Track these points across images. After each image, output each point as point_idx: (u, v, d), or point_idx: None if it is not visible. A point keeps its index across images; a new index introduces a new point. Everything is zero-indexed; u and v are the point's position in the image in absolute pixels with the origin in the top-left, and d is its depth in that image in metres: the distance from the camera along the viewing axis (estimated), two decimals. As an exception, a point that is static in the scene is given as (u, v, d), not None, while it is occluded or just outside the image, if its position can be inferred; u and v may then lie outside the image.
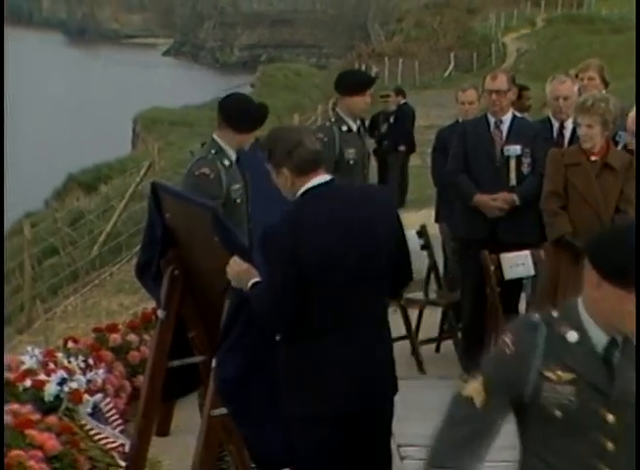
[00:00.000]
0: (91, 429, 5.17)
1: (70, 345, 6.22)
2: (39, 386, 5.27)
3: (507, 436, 2.93)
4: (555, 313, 2.85)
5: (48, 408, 5.14)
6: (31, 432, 4.73)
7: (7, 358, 5.69)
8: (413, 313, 7.80)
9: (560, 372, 2.75)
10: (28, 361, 5.56)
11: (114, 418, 5.52)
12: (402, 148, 16.22)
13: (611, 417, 2.75)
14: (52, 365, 5.57)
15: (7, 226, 18.58)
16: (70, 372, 5.54)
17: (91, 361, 5.98)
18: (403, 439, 5.74)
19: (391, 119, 16.16)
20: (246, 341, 4.35)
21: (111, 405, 5.58)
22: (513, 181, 7.06)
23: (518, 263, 6.93)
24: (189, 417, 5.84)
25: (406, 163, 16.65)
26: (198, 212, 4.64)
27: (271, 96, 32.86)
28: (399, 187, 16.21)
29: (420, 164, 17.89)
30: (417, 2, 61.05)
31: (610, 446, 2.77)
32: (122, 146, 33.41)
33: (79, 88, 59.83)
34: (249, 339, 4.34)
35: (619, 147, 6.60)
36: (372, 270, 4.05)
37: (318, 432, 4.10)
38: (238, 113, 5.59)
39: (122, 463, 5.02)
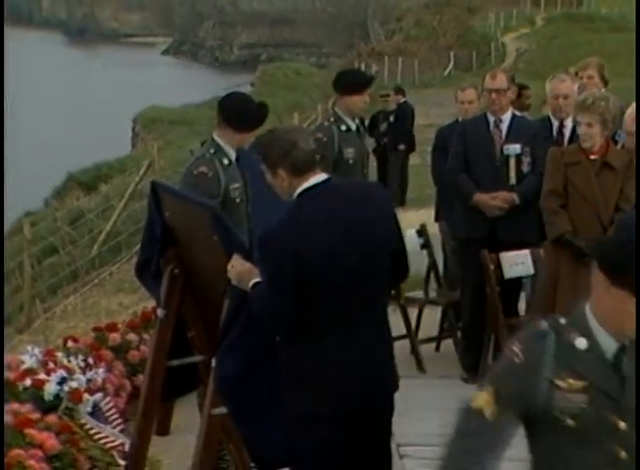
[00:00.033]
0: (91, 428, 5.17)
1: (70, 344, 6.22)
2: (39, 385, 5.27)
3: (517, 448, 2.88)
4: (563, 320, 2.79)
5: (48, 408, 5.14)
6: (31, 431, 4.73)
7: (7, 358, 5.69)
8: (413, 312, 7.80)
9: (571, 380, 2.71)
10: (28, 361, 5.56)
11: (113, 417, 5.52)
12: (402, 147, 16.23)
13: (623, 425, 2.71)
14: (52, 365, 5.57)
15: (7, 226, 18.58)
16: (70, 371, 5.54)
17: (91, 361, 5.98)
18: (403, 438, 5.75)
19: (391, 118, 16.18)
20: (245, 340, 4.35)
21: (110, 405, 5.58)
22: (513, 180, 7.06)
23: (517, 262, 6.93)
24: (189, 416, 5.84)
25: (406, 162, 16.66)
26: (197, 211, 4.64)
27: (271, 95, 32.83)
28: (399, 186, 16.23)
29: (420, 162, 17.89)
30: (417, 1, 61.01)
31: (623, 454, 2.72)
32: (122, 145, 33.42)
33: (79, 88, 59.86)
34: (248, 338, 4.33)
35: (619, 146, 6.60)
36: (372, 270, 4.05)
37: (318, 432, 4.10)
38: (238, 112, 5.58)
39: (122, 462, 5.02)
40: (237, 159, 5.62)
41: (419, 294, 8.03)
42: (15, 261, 14.47)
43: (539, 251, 6.76)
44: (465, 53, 49.20)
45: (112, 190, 19.62)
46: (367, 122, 14.99)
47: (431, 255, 7.97)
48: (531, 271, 6.93)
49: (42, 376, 5.36)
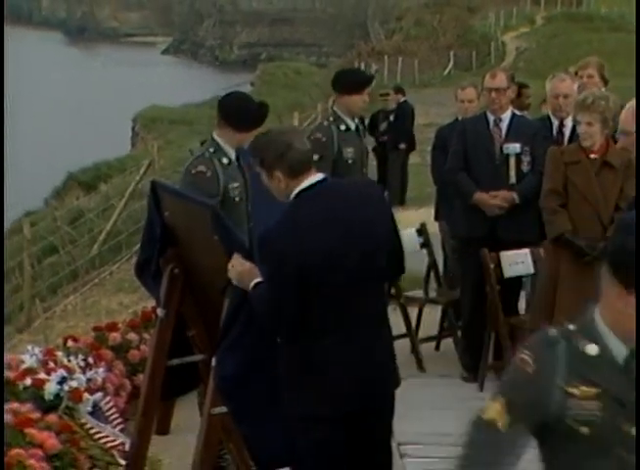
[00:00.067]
0: (91, 428, 5.17)
1: (70, 343, 6.22)
2: (39, 385, 5.27)
3: (528, 461, 2.81)
4: (572, 326, 2.72)
5: (48, 407, 5.14)
6: (31, 431, 4.73)
7: (7, 357, 5.69)
8: (413, 311, 7.80)
9: (583, 387, 2.65)
10: (28, 360, 5.56)
11: (113, 417, 5.52)
12: (402, 146, 16.24)
13: (633, 431, 2.66)
14: (52, 364, 5.57)
15: (7, 225, 18.58)
16: (70, 371, 5.54)
17: (91, 360, 5.98)
18: (403, 437, 5.75)
19: (391, 118, 16.18)
20: (245, 339, 4.35)
21: (111, 404, 5.58)
22: (512, 179, 7.06)
23: (517, 261, 6.92)
24: (189, 416, 5.85)
25: (406, 161, 16.67)
26: (197, 211, 4.63)
27: (271, 94, 32.80)
28: (399, 185, 16.24)
29: (420, 162, 17.90)
30: (417, 0, 61.00)
31: (631, 460, 2.66)
32: (122, 145, 33.40)
33: (79, 87, 59.84)
34: (248, 338, 4.33)
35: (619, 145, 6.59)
36: (372, 270, 4.05)
37: (318, 432, 4.11)
38: (238, 111, 5.58)
39: (122, 462, 5.02)
40: (237, 158, 5.62)
41: (419, 293, 8.03)
42: (15, 261, 14.47)
43: (539, 250, 6.76)
44: (465, 52, 49.19)
45: (111, 189, 19.62)
46: (367, 122, 15.00)
47: (430, 254, 7.97)
48: (531, 270, 6.92)
49: (42, 375, 5.35)
